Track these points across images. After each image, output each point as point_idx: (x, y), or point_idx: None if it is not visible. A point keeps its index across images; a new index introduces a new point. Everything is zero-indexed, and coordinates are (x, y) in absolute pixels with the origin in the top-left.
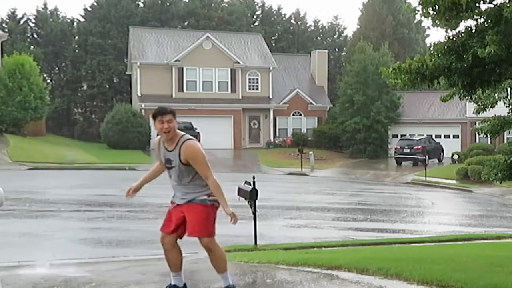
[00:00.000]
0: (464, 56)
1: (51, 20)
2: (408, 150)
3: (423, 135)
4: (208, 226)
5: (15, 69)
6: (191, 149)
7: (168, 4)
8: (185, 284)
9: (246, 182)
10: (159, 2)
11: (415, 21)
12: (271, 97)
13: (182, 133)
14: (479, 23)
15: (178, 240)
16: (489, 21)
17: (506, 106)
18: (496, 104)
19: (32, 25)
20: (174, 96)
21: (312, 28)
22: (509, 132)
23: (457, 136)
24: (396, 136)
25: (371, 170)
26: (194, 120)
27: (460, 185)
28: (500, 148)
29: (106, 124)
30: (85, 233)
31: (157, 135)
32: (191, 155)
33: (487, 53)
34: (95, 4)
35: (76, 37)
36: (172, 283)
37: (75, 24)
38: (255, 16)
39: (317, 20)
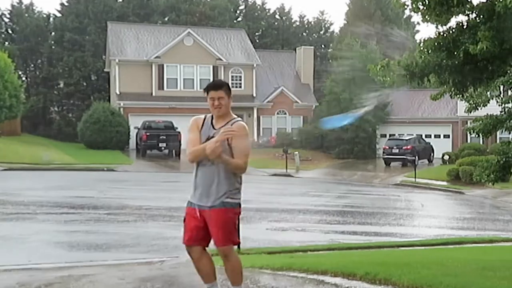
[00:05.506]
0: (455, 53)
1: (26, 15)
2: (397, 151)
3: (412, 134)
4: None
5: None
6: None
7: None
8: None
9: None
10: None
11: (404, 16)
12: (254, 95)
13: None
14: (470, 19)
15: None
16: (481, 16)
17: (499, 105)
18: (489, 102)
19: (6, 20)
20: (154, 94)
21: (298, 23)
22: (502, 131)
23: (448, 136)
24: (385, 135)
25: (359, 171)
26: (175, 119)
27: (451, 186)
28: (493, 148)
29: (84, 123)
30: (62, 236)
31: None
32: None
33: (479, 50)
34: None
35: (53, 33)
36: None
37: (51, 19)
38: (238, 11)
39: (303, 15)
